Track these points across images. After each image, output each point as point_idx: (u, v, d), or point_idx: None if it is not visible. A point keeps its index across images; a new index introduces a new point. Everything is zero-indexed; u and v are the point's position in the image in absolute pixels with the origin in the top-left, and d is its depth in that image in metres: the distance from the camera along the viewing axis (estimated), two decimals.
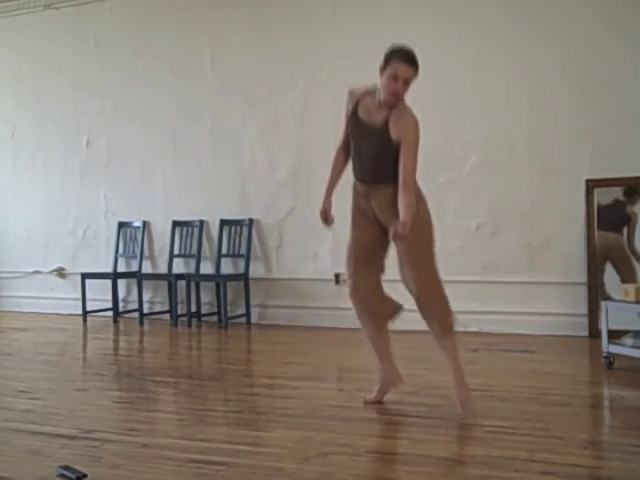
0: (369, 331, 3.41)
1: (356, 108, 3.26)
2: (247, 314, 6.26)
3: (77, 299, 6.83)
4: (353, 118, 3.27)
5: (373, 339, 3.42)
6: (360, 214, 3.34)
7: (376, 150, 3.20)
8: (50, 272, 7.29)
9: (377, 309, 3.36)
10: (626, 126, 5.19)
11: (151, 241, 6.86)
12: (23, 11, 7.36)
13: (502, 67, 5.54)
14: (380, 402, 3.41)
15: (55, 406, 3.53)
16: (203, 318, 6.42)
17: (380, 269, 3.37)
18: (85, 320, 6.62)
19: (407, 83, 3.12)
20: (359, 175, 3.31)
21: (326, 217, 3.40)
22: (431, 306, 3.23)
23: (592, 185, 5.28)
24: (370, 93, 3.24)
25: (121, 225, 6.92)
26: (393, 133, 3.14)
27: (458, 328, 3.35)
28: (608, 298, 4.83)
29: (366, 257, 3.32)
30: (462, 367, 3.25)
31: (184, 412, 3.45)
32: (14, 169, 7.47)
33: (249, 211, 6.40)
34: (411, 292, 3.24)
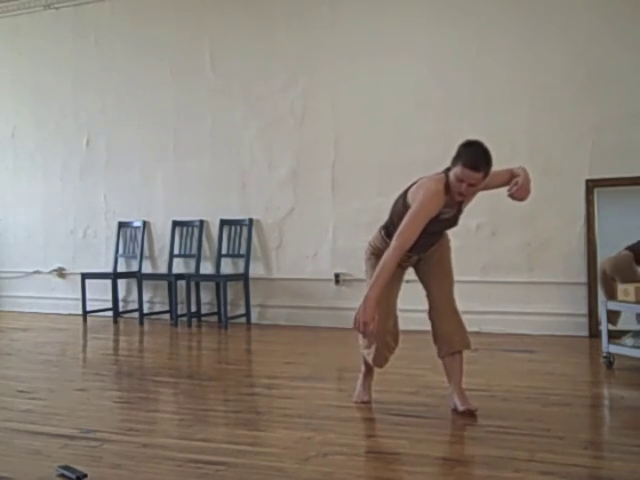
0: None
1: (440, 210, 3.14)
2: (247, 314, 6.26)
3: (77, 299, 6.84)
4: (435, 217, 3.12)
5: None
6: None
7: (442, 229, 3.28)
8: (50, 272, 7.29)
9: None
10: (626, 126, 5.19)
11: (151, 241, 6.86)
12: (23, 11, 7.36)
13: (502, 67, 5.54)
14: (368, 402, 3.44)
15: (55, 406, 3.52)
16: (203, 318, 6.42)
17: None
18: (85, 320, 6.62)
19: (474, 185, 3.08)
20: (419, 249, 3.22)
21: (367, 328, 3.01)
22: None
23: (592, 185, 5.28)
24: (446, 186, 3.12)
25: (121, 225, 6.92)
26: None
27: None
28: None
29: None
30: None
31: (184, 412, 3.44)
32: (14, 169, 7.47)
33: (249, 211, 6.40)
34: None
